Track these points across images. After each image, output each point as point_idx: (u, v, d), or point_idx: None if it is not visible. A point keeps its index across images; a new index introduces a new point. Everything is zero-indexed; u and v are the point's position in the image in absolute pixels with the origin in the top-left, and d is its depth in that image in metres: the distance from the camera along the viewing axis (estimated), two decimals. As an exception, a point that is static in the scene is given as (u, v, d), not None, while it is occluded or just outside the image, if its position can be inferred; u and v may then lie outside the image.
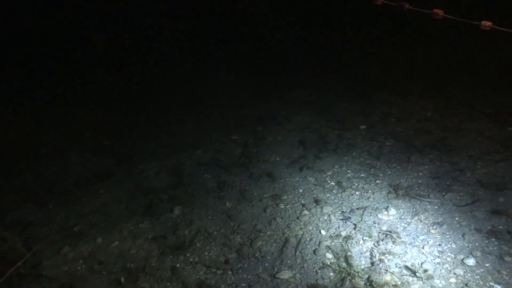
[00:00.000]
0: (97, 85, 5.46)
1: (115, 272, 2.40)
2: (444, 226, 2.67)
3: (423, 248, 2.49)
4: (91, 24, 6.28)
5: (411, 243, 2.53)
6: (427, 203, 2.90)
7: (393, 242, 2.53)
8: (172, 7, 6.59)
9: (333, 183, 3.20)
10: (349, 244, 2.54)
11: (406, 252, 2.47)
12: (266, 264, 2.42)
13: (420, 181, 3.16)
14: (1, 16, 5.75)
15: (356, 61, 5.98)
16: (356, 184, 3.17)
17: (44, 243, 2.62)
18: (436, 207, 2.87)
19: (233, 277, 2.33)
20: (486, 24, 2.87)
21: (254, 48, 6.59)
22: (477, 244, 2.51)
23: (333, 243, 2.55)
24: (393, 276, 2.28)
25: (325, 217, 2.80)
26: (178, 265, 2.44)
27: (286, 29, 6.96)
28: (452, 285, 2.22)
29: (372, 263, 2.38)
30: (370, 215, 2.79)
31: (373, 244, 2.53)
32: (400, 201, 2.94)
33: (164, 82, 5.52)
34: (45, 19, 5.92)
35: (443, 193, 3.00)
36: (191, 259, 2.48)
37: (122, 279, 2.33)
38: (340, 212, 2.85)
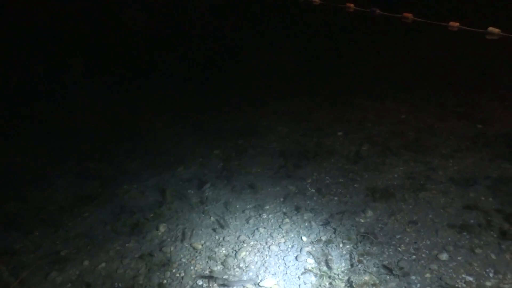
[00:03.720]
0: (77, 106, 5.50)
1: (103, 293, 2.46)
2: (419, 224, 2.80)
3: (399, 246, 2.61)
4: (69, 46, 6.35)
5: (388, 242, 2.65)
6: (402, 203, 3.03)
7: (371, 243, 2.64)
8: (148, 29, 6.71)
9: (313, 190, 3.31)
10: (329, 248, 2.64)
11: (383, 251, 2.58)
12: (251, 274, 2.50)
13: (395, 183, 3.30)
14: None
15: (330, 68, 6.16)
16: (335, 190, 3.28)
17: (31, 270, 2.66)
18: (411, 206, 3.00)
19: (219, 289, 2.41)
20: (454, 25, 3.05)
21: (228, 60, 6.73)
22: (449, 239, 2.64)
23: (314, 248, 2.65)
24: (372, 276, 2.39)
25: (306, 224, 2.90)
26: (165, 281, 2.50)
27: (259, 40, 7.13)
28: (427, 280, 2.33)
29: (352, 265, 2.49)
30: (349, 219, 2.91)
31: (352, 246, 2.64)
32: (377, 203, 3.06)
33: (143, 101, 5.59)
34: (18, 43, 5.96)
35: (417, 193, 3.13)
36: (178, 274, 2.54)
37: (110, 299, 2.39)
38: (320, 218, 2.96)
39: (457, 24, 3.07)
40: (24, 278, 2.57)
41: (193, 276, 2.52)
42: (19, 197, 3.66)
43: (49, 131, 4.93)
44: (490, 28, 2.89)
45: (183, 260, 2.67)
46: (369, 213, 2.95)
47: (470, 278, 2.32)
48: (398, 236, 2.70)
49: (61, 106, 5.52)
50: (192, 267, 2.60)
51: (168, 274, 2.55)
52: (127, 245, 2.87)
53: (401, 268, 2.42)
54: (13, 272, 2.64)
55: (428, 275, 2.37)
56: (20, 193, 3.71)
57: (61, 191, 3.72)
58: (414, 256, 2.52)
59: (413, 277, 2.36)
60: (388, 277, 2.37)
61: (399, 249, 2.59)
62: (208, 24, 7.10)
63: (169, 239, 2.89)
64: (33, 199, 3.63)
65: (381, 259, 2.51)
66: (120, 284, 2.51)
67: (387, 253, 2.56)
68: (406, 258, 2.51)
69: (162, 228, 3.00)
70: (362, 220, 2.88)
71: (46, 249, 2.92)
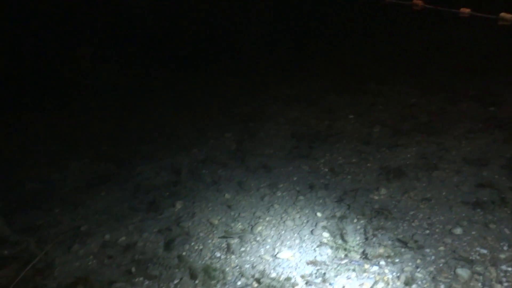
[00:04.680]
0: (90, 93, 5.58)
1: (125, 264, 2.53)
2: (433, 201, 2.83)
3: (413, 222, 2.65)
4: (79, 36, 6.39)
5: (402, 218, 2.69)
6: (416, 181, 3.06)
7: (385, 219, 2.69)
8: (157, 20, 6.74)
9: (326, 170, 3.35)
10: (344, 223, 2.69)
11: (397, 226, 2.62)
12: (267, 246, 2.56)
13: (408, 162, 3.33)
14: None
15: (341, 54, 6.16)
16: (348, 169, 3.32)
17: (54, 243, 2.74)
18: (424, 184, 3.03)
19: (236, 260, 2.47)
20: (465, 11, 3.04)
21: (237, 46, 6.74)
22: (463, 215, 2.67)
23: (329, 223, 2.70)
24: (386, 248, 2.43)
25: (320, 201, 2.95)
26: (184, 253, 2.57)
27: (269, 25, 7.13)
28: (442, 253, 2.37)
29: (366, 238, 2.53)
30: (363, 196, 2.95)
31: (366, 221, 2.69)
32: (390, 181, 3.10)
33: (155, 87, 5.65)
34: (35, 32, 6.02)
35: (430, 172, 3.16)
36: (196, 247, 2.61)
37: (133, 269, 2.46)
38: (334, 195, 3.00)
39: (468, 10, 3.05)
40: (49, 250, 2.66)
41: (211, 248, 2.59)
42: (37, 178, 3.75)
43: (64, 115, 5.01)
44: (502, 14, 2.88)
45: (201, 234, 2.74)
46: (383, 190, 2.99)
47: (485, 251, 2.35)
48: (412, 212, 2.74)
49: (77, 92, 5.60)
50: (210, 241, 2.66)
51: (187, 246, 2.62)
52: (145, 220, 2.95)
53: (415, 241, 2.46)
54: (38, 245, 2.73)
55: (442, 248, 2.41)
56: (38, 174, 3.80)
57: (77, 172, 3.80)
58: (428, 231, 2.56)
59: (428, 250, 2.40)
60: (402, 250, 2.42)
61: (413, 224, 2.63)
62: (219, 10, 7.11)
63: (186, 215, 2.95)
64: (51, 179, 3.71)
65: (395, 233, 2.56)
66: (140, 256, 2.58)
67: (401, 227, 2.61)
68: (420, 232, 2.55)
69: (179, 205, 3.07)
70: (376, 197, 2.92)
71: (67, 225, 3.01)
